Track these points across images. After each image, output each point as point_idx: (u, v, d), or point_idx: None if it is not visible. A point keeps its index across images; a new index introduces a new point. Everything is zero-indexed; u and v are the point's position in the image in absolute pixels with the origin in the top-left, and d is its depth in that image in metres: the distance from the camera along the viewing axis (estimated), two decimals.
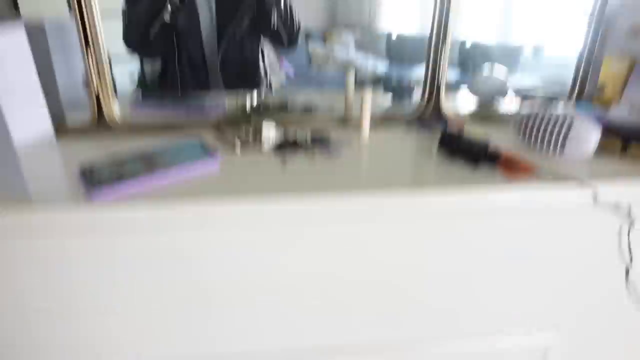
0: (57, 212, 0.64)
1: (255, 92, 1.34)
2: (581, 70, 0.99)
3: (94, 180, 0.68)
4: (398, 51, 2.73)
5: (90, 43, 0.84)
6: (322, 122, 0.98)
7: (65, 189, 0.70)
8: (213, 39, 1.25)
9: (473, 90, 1.12)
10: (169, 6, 1.12)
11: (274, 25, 1.22)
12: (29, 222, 0.65)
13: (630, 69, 0.92)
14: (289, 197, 0.68)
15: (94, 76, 0.86)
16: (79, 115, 0.91)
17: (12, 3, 0.86)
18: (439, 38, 0.94)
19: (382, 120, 0.98)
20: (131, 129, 0.89)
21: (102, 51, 0.85)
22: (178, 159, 0.76)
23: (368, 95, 0.88)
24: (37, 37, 0.86)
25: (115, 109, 0.89)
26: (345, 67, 2.55)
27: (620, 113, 0.90)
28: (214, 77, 1.28)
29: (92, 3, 0.82)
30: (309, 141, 0.88)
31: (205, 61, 1.26)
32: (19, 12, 0.88)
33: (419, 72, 0.99)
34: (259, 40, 1.32)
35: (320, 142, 0.89)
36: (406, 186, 0.72)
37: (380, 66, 2.53)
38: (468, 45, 3.11)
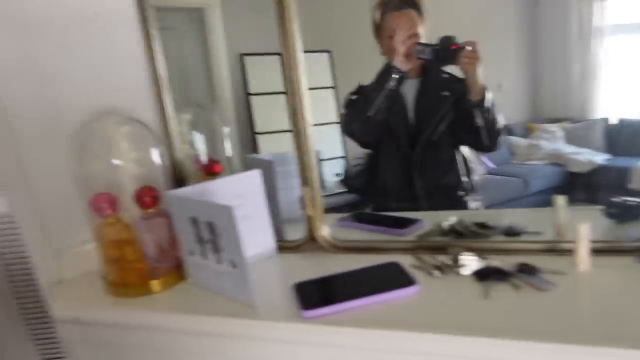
0: (274, 323, 0.78)
1: (453, 197, 1.32)
2: None
3: (305, 300, 0.79)
4: (620, 140, 2.28)
5: (308, 181, 0.99)
6: (529, 248, 0.90)
7: (281, 301, 0.83)
8: (411, 138, 1.30)
9: None
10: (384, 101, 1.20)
11: (476, 126, 1.20)
12: (252, 329, 0.79)
13: None
14: (492, 341, 0.64)
15: (309, 206, 1.00)
16: (295, 232, 1.05)
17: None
18: None
19: (603, 248, 0.85)
20: (337, 248, 1.00)
21: (316, 186, 0.99)
22: (380, 284, 0.80)
23: (585, 228, 0.78)
24: (269, 168, 1.05)
25: (324, 230, 1.00)
26: (552, 157, 2.22)
27: None
28: (410, 176, 1.31)
29: (310, 147, 0.98)
30: (514, 270, 0.82)
31: (405, 157, 1.31)
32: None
33: None
34: (456, 141, 1.32)
35: (527, 272, 0.81)
36: None
37: (598, 158, 2.13)
38: None
